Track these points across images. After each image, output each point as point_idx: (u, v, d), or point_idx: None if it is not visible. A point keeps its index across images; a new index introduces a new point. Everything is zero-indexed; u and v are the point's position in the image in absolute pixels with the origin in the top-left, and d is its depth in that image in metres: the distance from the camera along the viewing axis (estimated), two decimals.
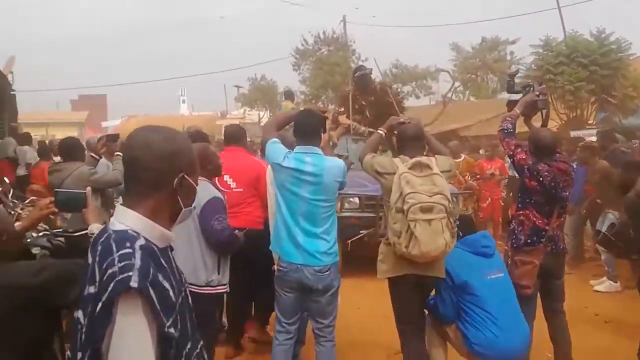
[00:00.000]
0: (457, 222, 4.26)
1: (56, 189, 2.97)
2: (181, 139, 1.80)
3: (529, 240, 4.52)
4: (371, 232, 7.84)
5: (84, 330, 1.60)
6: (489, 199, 10.69)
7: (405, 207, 3.90)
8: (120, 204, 1.77)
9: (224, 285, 4.31)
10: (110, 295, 1.53)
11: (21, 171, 11.36)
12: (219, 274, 4.22)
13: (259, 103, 35.69)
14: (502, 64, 32.23)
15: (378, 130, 4.65)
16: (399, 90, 20.35)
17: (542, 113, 4.95)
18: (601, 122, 17.22)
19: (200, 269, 4.14)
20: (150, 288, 1.56)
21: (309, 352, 4.70)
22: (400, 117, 4.85)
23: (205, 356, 1.86)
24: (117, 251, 1.59)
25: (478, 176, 10.65)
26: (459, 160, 10.01)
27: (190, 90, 62.08)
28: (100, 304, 1.54)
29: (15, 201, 6.51)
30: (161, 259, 1.69)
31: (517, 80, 5.12)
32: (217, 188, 4.74)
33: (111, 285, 1.53)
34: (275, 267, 4.23)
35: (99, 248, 1.65)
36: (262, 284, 5.13)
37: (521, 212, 4.60)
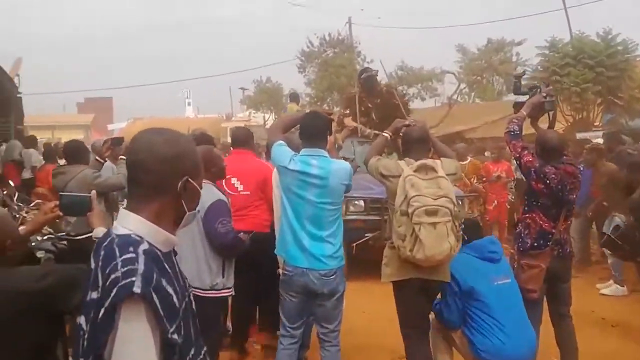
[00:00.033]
0: (463, 226, 4.23)
1: (61, 193, 2.96)
2: (185, 142, 1.78)
3: (535, 244, 4.49)
4: (376, 235, 7.81)
5: (86, 336, 1.58)
6: (495, 201, 10.64)
7: (410, 210, 3.88)
8: (124, 208, 1.76)
9: (229, 288, 4.30)
10: (113, 301, 1.51)
11: (27, 174, 11.37)
12: (223, 277, 4.21)
13: (264, 105, 35.65)
14: (508, 65, 32.11)
15: (383, 133, 4.64)
16: (404, 92, 20.31)
17: (549, 115, 4.91)
18: (607, 124, 17.14)
19: (205, 273, 4.13)
20: (153, 293, 1.54)
21: (314, 357, 4.67)
22: (405, 120, 4.83)
23: None
24: (120, 256, 1.57)
25: (484, 179, 10.61)
26: (465, 162, 9.97)
27: (195, 92, 62.01)
28: (102, 310, 1.52)
29: (21, 204, 6.54)
30: (165, 264, 1.67)
31: (523, 82, 5.07)
32: (224, 190, 4.74)
33: (114, 290, 1.51)
34: (281, 270, 4.22)
35: (102, 253, 1.63)
36: (267, 288, 5.11)
37: (528, 215, 4.57)
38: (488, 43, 33.38)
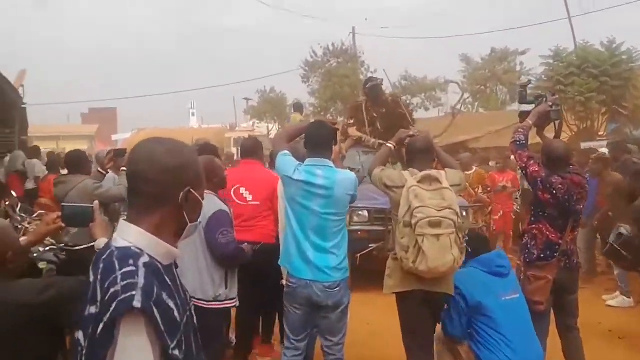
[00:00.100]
0: (467, 238, 4.19)
1: (63, 204, 2.93)
2: (187, 152, 1.75)
3: (542, 255, 4.44)
4: (380, 246, 7.76)
5: (84, 352, 1.54)
6: (501, 211, 10.59)
7: (413, 222, 3.85)
8: (123, 219, 1.72)
9: (232, 299, 4.27)
10: (113, 316, 1.47)
11: (30, 185, 11.38)
12: (226, 288, 4.18)
13: (268, 115, 35.78)
14: (512, 75, 32.09)
15: (387, 144, 4.61)
16: (408, 102, 20.30)
17: (555, 124, 4.87)
18: (612, 134, 17.11)
19: (208, 284, 4.10)
20: (154, 308, 1.50)
21: None
22: (409, 130, 4.80)
23: None
24: (120, 269, 1.54)
25: (489, 188, 10.55)
26: (470, 172, 9.92)
27: (199, 103, 62.41)
28: (101, 325, 1.48)
29: (23, 215, 6.52)
30: (165, 277, 1.63)
31: (528, 91, 5.04)
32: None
33: (113, 305, 1.48)
34: (284, 282, 4.18)
35: (101, 266, 1.59)
36: (273, 299, 5.08)
37: (534, 225, 4.52)
38: (492, 52, 33.38)
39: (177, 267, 1.78)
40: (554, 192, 4.33)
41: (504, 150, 15.58)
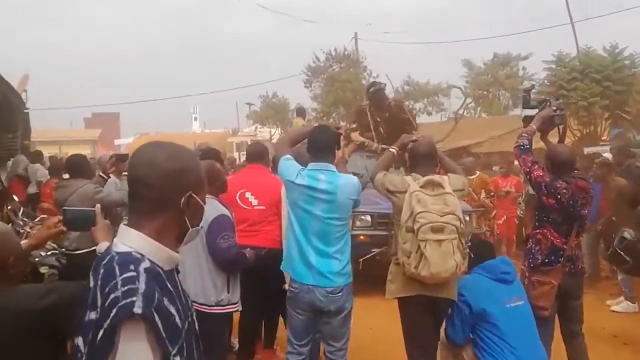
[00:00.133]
0: (469, 244, 4.16)
1: (65, 208, 2.90)
2: (188, 156, 1.73)
3: (546, 260, 4.41)
4: (383, 250, 7.73)
5: (84, 358, 1.52)
6: (505, 216, 10.56)
7: (415, 227, 3.83)
8: (124, 224, 1.70)
9: (234, 304, 4.26)
10: (113, 322, 1.45)
11: (32, 189, 11.34)
12: (228, 292, 4.17)
13: (271, 120, 35.75)
14: (514, 80, 32.06)
15: (390, 148, 4.59)
16: (410, 107, 20.31)
17: (559, 129, 4.85)
18: (615, 138, 17.08)
19: (210, 289, 4.09)
20: (155, 314, 1.48)
21: None
22: (412, 135, 4.78)
23: None
24: (121, 274, 1.51)
25: (492, 193, 10.52)
26: (473, 177, 9.90)
27: (202, 107, 62.54)
28: (101, 331, 1.46)
29: (26, 219, 6.50)
30: (167, 282, 1.61)
31: (531, 96, 5.02)
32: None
33: (114, 311, 1.45)
34: (287, 287, 4.16)
35: (101, 271, 1.57)
36: (276, 304, 5.06)
37: (538, 230, 4.50)
38: (494, 57, 33.37)
39: (178, 272, 1.76)
40: (559, 196, 4.31)
41: (506, 155, 15.55)
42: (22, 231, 5.56)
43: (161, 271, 1.61)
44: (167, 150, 1.68)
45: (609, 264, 8.32)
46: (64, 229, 2.87)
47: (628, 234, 5.34)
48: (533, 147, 4.63)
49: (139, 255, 1.58)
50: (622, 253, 5.32)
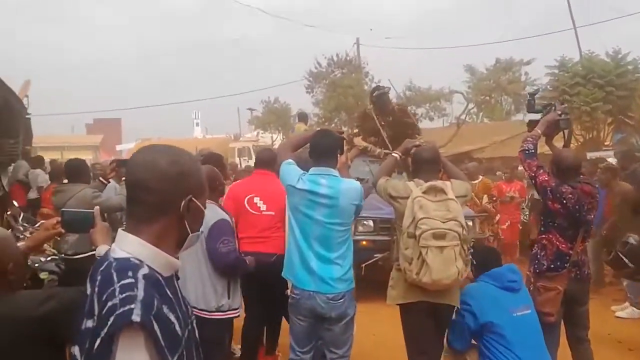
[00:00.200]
0: (472, 250, 4.11)
1: (63, 209, 2.86)
2: (188, 159, 1.68)
3: (552, 266, 4.38)
4: (386, 256, 7.68)
5: None
6: (508, 221, 10.53)
7: (417, 233, 3.80)
8: (122, 229, 1.65)
9: (235, 309, 4.25)
10: (110, 330, 1.40)
11: (33, 194, 11.31)
12: (229, 298, 4.16)
13: (272, 126, 35.77)
14: (517, 85, 32.03)
15: (393, 153, 4.55)
16: (413, 112, 20.29)
17: (564, 133, 4.81)
18: (618, 143, 17.06)
19: (210, 294, 4.07)
20: (154, 322, 1.43)
21: None
22: (415, 140, 4.75)
23: None
24: (118, 281, 1.47)
25: (495, 198, 10.49)
26: (476, 181, 9.87)
27: (204, 113, 62.46)
28: (99, 340, 1.42)
29: (26, 225, 6.47)
30: (166, 289, 1.57)
31: (536, 100, 4.98)
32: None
33: (111, 319, 1.41)
34: (289, 293, 4.11)
35: (99, 278, 1.52)
36: (279, 310, 5.04)
37: (544, 236, 4.46)
38: (496, 63, 33.32)
39: (178, 278, 1.71)
40: (564, 201, 4.27)
41: (508, 160, 15.53)
42: (21, 237, 5.52)
43: (160, 278, 1.57)
44: (167, 154, 1.64)
45: (611, 269, 8.29)
46: (62, 230, 2.83)
47: (633, 239, 5.31)
48: (538, 152, 4.60)
49: (137, 261, 1.54)
50: (623, 258, 5.29)
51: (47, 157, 17.27)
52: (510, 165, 13.44)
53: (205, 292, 4.04)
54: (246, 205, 5.16)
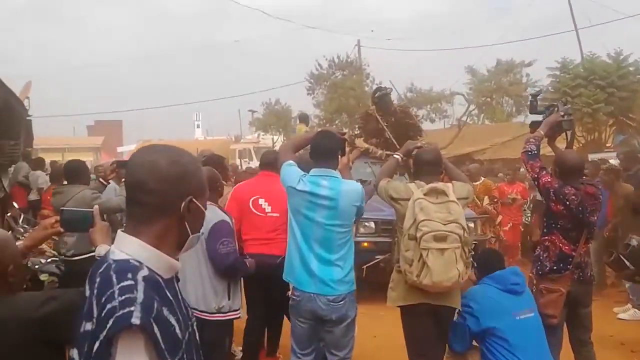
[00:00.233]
0: (472, 253, 4.08)
1: (62, 208, 2.83)
2: (188, 160, 1.65)
3: (555, 267, 4.34)
4: (387, 257, 7.67)
5: None
6: (510, 223, 10.52)
7: (418, 235, 3.77)
8: (121, 231, 1.62)
9: (236, 311, 4.25)
10: (110, 333, 1.38)
11: (33, 196, 11.32)
12: (229, 299, 4.16)
13: (273, 127, 35.75)
14: (518, 86, 32.04)
15: (394, 155, 4.52)
16: (415, 113, 20.29)
17: (566, 134, 4.79)
18: (620, 145, 17.04)
19: (210, 296, 4.08)
20: (154, 324, 1.41)
21: None
22: (417, 142, 4.73)
23: None
24: (118, 283, 1.45)
25: (496, 199, 10.47)
26: (477, 182, 9.85)
27: (205, 115, 62.50)
28: (97, 343, 1.40)
29: (26, 226, 6.45)
30: (167, 291, 1.55)
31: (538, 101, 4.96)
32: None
33: (110, 321, 1.39)
34: (290, 295, 4.10)
35: (98, 280, 1.50)
36: (282, 312, 5.04)
37: (547, 237, 4.43)
38: (497, 64, 33.32)
39: (178, 280, 1.69)
40: (567, 203, 4.25)
41: (509, 162, 15.51)
42: (22, 238, 5.50)
43: (160, 279, 1.54)
44: (167, 154, 1.62)
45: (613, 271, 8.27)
46: (61, 229, 2.80)
47: (635, 240, 5.29)
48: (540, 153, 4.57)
49: (137, 263, 1.51)
50: (624, 259, 5.27)
51: (48, 158, 17.27)
52: (511, 166, 13.43)
53: (205, 294, 4.04)
54: (251, 206, 5.14)
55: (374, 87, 23.43)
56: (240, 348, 5.57)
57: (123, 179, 5.62)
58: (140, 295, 1.42)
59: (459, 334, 4.02)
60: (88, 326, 1.45)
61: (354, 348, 4.13)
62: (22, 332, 2.08)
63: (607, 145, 17.38)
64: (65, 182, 5.85)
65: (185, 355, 1.52)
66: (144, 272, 1.49)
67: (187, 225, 1.62)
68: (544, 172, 4.40)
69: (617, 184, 8.19)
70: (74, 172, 5.71)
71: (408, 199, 3.94)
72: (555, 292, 4.29)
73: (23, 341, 2.08)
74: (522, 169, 11.71)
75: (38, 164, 12.89)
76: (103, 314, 1.41)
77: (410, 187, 4.03)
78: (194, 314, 1.80)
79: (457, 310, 4.05)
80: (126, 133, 67.44)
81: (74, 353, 1.50)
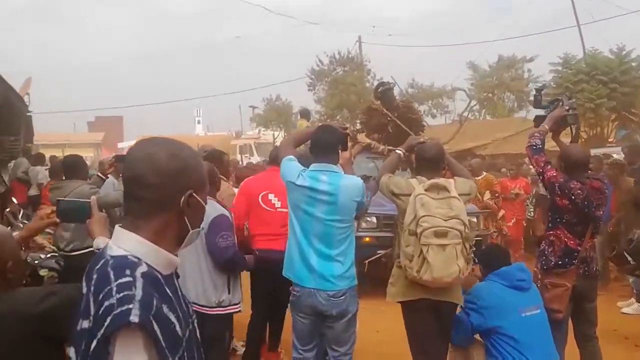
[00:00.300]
0: (473, 248, 4.04)
1: (58, 198, 2.78)
2: (188, 153, 1.61)
3: (560, 262, 4.32)
4: (389, 252, 7.64)
5: None
6: (514, 218, 10.49)
7: (418, 231, 3.75)
8: (119, 226, 1.57)
9: (236, 305, 4.26)
10: (107, 331, 1.34)
11: (33, 191, 11.30)
12: (229, 293, 4.17)
13: (274, 123, 35.75)
14: (519, 82, 31.95)
15: (397, 150, 4.48)
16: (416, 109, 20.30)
17: (571, 128, 4.75)
18: (622, 140, 17.03)
19: (210, 290, 4.09)
20: (153, 322, 1.37)
21: None
22: (419, 137, 4.69)
23: None
24: (115, 280, 1.40)
25: (497, 194, 10.43)
26: (479, 177, 9.82)
27: (205, 110, 62.64)
28: (95, 341, 1.35)
29: (25, 222, 6.44)
30: (166, 288, 1.50)
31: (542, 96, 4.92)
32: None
33: (108, 319, 1.34)
34: (291, 290, 4.07)
35: (95, 276, 1.46)
36: (282, 307, 5.04)
37: (552, 232, 4.39)
38: (499, 60, 33.23)
39: (178, 277, 1.64)
40: (573, 197, 4.21)
41: (511, 157, 15.47)
42: None
43: (160, 276, 1.50)
44: (167, 148, 1.57)
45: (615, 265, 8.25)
46: (57, 220, 2.75)
47: (638, 235, 5.26)
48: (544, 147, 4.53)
49: (135, 259, 1.47)
50: (626, 254, 5.25)
51: (49, 154, 17.26)
52: (513, 161, 13.39)
53: (205, 288, 4.05)
54: (260, 201, 5.11)
55: (375, 83, 23.43)
56: (242, 343, 5.55)
57: (122, 173, 5.59)
58: (138, 292, 1.38)
59: (462, 329, 4.00)
60: (85, 324, 1.41)
61: (356, 342, 4.10)
62: (22, 328, 2.07)
63: (610, 140, 17.39)
64: (64, 178, 5.82)
65: (185, 353, 1.48)
66: (143, 269, 1.45)
67: (186, 221, 1.58)
68: (549, 166, 4.37)
69: (621, 178, 8.18)
70: (72, 167, 5.68)
71: (409, 195, 3.91)
72: (561, 286, 4.26)
73: (23, 337, 2.06)
74: (525, 164, 11.70)
75: (38, 159, 12.89)
76: (100, 312, 1.37)
77: (411, 183, 4.00)
78: (194, 309, 1.75)
79: (458, 306, 4.02)
80: (127, 129, 67.66)
81: (71, 352, 1.46)
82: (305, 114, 14.08)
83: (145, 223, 1.53)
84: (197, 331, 1.65)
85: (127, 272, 1.42)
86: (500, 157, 17.23)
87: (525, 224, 10.93)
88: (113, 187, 5.73)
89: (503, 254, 4.36)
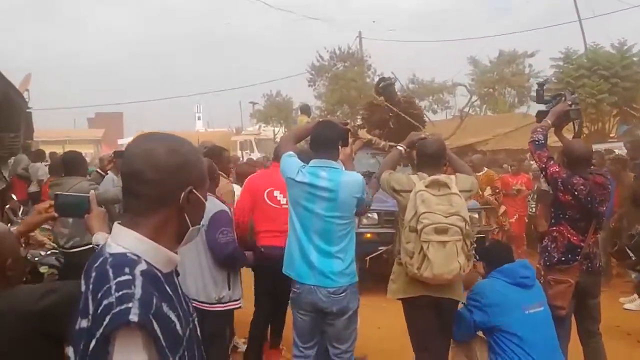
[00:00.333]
0: (474, 245, 4.02)
1: (57, 192, 2.76)
2: (188, 149, 1.58)
3: (563, 258, 4.30)
4: (390, 248, 7.61)
5: None
6: (516, 214, 10.47)
7: (419, 227, 3.73)
8: (118, 223, 1.54)
9: (236, 301, 4.25)
10: (106, 331, 1.31)
11: (33, 188, 11.29)
12: (229, 289, 4.17)
13: (274, 119, 35.74)
14: (520, 77, 31.97)
15: (398, 146, 4.45)
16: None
17: (574, 123, 4.72)
18: (623, 135, 17.00)
19: (210, 286, 4.09)
20: (153, 321, 1.34)
21: None
22: (421, 133, 4.66)
23: None
24: (114, 278, 1.38)
25: (497, 190, 10.40)
26: (480, 173, 9.79)
27: (205, 106, 62.67)
28: (94, 341, 1.33)
29: (25, 218, 6.42)
30: (166, 286, 1.48)
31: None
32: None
33: (107, 318, 1.32)
34: (291, 287, 4.05)
35: (93, 274, 1.43)
36: (284, 304, 4.99)
37: (554, 228, 4.37)
38: (500, 55, 33.21)
39: (178, 274, 1.62)
40: (576, 193, 4.19)
41: (512, 152, 15.43)
42: None
43: (159, 274, 1.48)
44: (166, 143, 1.54)
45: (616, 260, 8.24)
46: (55, 214, 2.73)
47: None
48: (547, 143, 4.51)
49: (134, 257, 1.45)
50: (628, 250, 5.23)
51: (49, 151, 17.24)
52: (514, 157, 13.36)
53: (205, 284, 4.04)
54: (265, 198, 5.08)
55: (376, 78, 23.39)
56: (243, 340, 5.54)
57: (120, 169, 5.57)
58: (138, 291, 1.36)
59: (464, 326, 3.98)
60: (84, 323, 1.39)
61: (357, 339, 4.08)
62: (22, 325, 2.05)
63: (611, 135, 17.38)
64: (63, 174, 5.80)
65: (186, 352, 1.46)
66: (142, 266, 1.43)
67: (186, 217, 1.55)
68: (552, 162, 4.34)
69: (623, 174, 8.16)
70: (72, 164, 5.66)
71: (410, 191, 3.89)
72: (564, 283, 4.25)
73: (23, 334, 2.05)
74: (526, 160, 11.66)
75: (38, 156, 12.87)
76: (99, 311, 1.34)
77: (412, 179, 3.98)
78: (194, 305, 1.73)
79: (459, 303, 4.00)
80: (127, 125, 67.59)
81: (70, 351, 1.44)
82: (305, 109, 14.06)
83: (145, 220, 1.50)
84: (198, 329, 1.63)
85: (126, 270, 1.40)
86: (501, 153, 17.22)
87: (527, 220, 10.91)
88: (112, 184, 5.71)
89: (505, 251, 4.33)
